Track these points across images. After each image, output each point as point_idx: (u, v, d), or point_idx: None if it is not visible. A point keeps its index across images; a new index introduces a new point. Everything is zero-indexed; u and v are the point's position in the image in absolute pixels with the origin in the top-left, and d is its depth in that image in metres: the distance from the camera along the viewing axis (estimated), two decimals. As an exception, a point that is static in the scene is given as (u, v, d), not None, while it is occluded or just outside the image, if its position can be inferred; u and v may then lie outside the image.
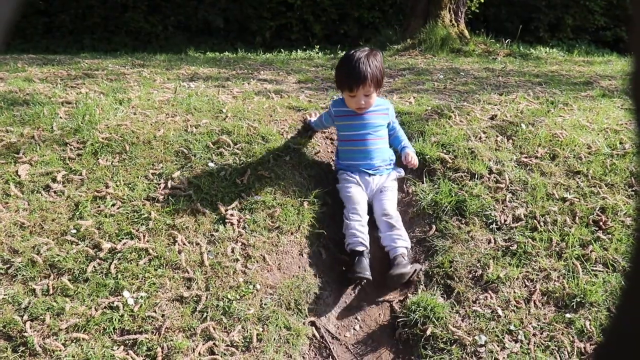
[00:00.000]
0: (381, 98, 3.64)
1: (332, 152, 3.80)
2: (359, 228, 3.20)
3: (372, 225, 3.33)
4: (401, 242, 3.19)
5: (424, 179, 3.58)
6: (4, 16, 0.66)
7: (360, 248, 3.14)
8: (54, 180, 3.24)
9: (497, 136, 3.88)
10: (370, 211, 3.37)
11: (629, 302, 0.76)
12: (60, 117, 3.70)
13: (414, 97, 4.56)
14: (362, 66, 3.29)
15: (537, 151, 3.78)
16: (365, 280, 3.11)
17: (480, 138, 3.86)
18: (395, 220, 3.27)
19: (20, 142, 3.46)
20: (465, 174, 3.58)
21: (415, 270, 3.14)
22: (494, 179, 3.56)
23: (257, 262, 3.03)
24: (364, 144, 3.45)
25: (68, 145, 3.45)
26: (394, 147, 3.61)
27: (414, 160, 3.48)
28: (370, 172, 3.43)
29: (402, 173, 3.57)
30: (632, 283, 0.76)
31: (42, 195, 3.17)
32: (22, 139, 3.48)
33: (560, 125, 4.04)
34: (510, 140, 3.87)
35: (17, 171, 3.27)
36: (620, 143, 3.92)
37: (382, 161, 3.47)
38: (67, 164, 3.34)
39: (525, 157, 3.72)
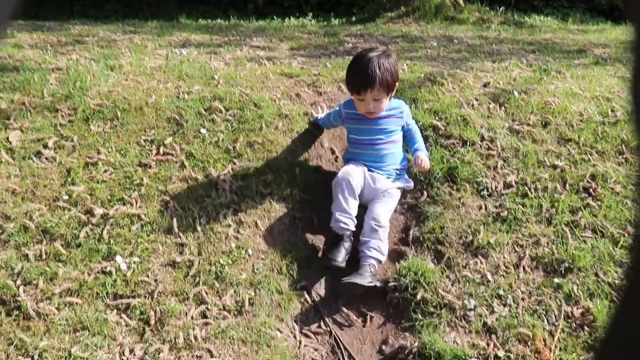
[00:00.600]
0: (396, 99, 3.37)
1: (324, 118, 3.79)
2: (343, 206, 3.06)
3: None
4: (376, 253, 3.01)
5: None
6: (4, 15, 0.66)
7: (342, 231, 3.04)
8: (45, 146, 3.24)
9: (489, 103, 3.89)
10: (363, 212, 3.16)
11: (629, 302, 0.75)
12: (51, 84, 3.68)
13: (407, 65, 4.54)
14: (372, 68, 3.05)
15: (529, 118, 3.79)
16: (336, 268, 2.98)
17: (472, 105, 3.86)
18: (381, 229, 3.05)
19: (10, 109, 3.44)
20: (457, 141, 3.59)
21: (376, 286, 2.95)
22: (486, 146, 3.57)
23: (249, 227, 3.05)
24: (375, 149, 3.25)
25: (59, 111, 3.44)
26: (408, 148, 3.40)
27: (425, 163, 3.20)
28: (378, 171, 3.23)
29: (411, 185, 3.36)
30: (632, 283, 0.75)
31: (33, 161, 3.17)
32: (12, 105, 3.46)
33: (552, 93, 4.04)
34: (503, 108, 3.87)
35: (7, 137, 3.26)
36: (612, 111, 3.93)
37: (393, 165, 3.27)
38: (59, 130, 3.33)
39: (517, 125, 3.73)
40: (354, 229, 3.07)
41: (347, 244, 3.03)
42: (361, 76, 3.08)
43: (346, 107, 3.33)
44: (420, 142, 3.35)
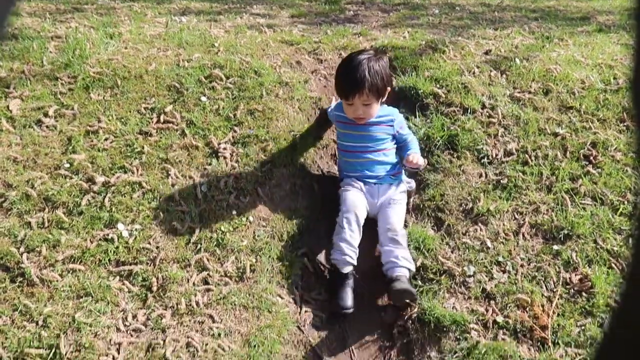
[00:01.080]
0: (389, 107, 3.23)
1: (325, 86, 3.78)
2: (348, 239, 2.89)
3: (375, 239, 3.06)
4: (406, 262, 2.84)
5: (417, 113, 3.58)
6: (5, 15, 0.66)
7: (345, 269, 2.87)
8: (46, 115, 3.24)
9: (490, 71, 3.86)
10: (375, 225, 3.04)
11: (629, 302, 0.74)
12: (50, 52, 3.66)
13: (408, 32, 4.51)
14: (361, 72, 2.92)
15: (530, 86, 3.77)
16: (347, 315, 2.82)
17: (473, 73, 3.84)
18: (400, 237, 2.90)
19: (10, 77, 3.43)
20: (458, 108, 3.58)
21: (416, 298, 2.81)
22: (487, 114, 3.56)
23: (249, 195, 3.06)
24: (364, 156, 3.11)
25: (59, 79, 3.43)
26: (402, 157, 3.18)
27: (416, 160, 3.02)
28: (374, 181, 3.10)
29: (413, 186, 3.24)
30: (632, 283, 0.75)
31: (34, 129, 3.17)
32: (12, 74, 3.45)
33: (554, 61, 4.01)
34: (504, 75, 3.85)
35: (8, 106, 3.26)
36: (614, 78, 3.90)
37: (386, 171, 3.13)
38: (59, 98, 3.33)
39: (519, 92, 3.72)
40: (356, 263, 2.90)
41: (351, 282, 2.87)
42: (350, 80, 2.95)
43: (337, 110, 3.21)
44: (415, 148, 3.17)
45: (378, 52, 3.11)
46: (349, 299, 2.80)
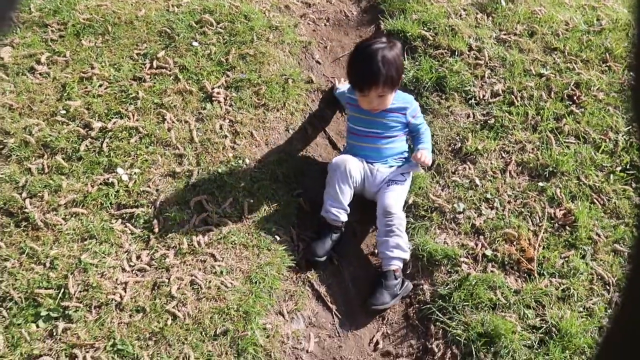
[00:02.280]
0: (404, 94, 3.14)
1: (314, 30, 3.81)
2: (339, 197, 2.89)
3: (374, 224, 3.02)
4: (398, 252, 2.81)
5: (405, 56, 3.63)
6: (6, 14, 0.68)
7: (332, 222, 2.90)
8: (38, 62, 3.24)
9: (477, 13, 3.91)
10: (374, 208, 2.97)
11: (630, 302, 0.75)
12: (37, -2, 3.64)
13: (394, -25, 4.51)
14: (375, 64, 2.80)
15: (516, 28, 3.83)
16: (317, 263, 2.88)
17: (460, 15, 3.88)
18: (397, 223, 2.83)
19: (15, 14, 3.41)
20: (446, 50, 3.64)
21: (402, 296, 2.84)
22: (474, 56, 3.63)
23: (245, 138, 3.12)
24: (373, 142, 3.03)
25: (49, 26, 3.42)
26: (413, 148, 3.13)
27: (425, 158, 2.92)
28: (376, 162, 3.02)
29: (419, 168, 3.12)
30: (632, 283, 0.76)
31: (27, 77, 3.18)
32: (16, 12, 3.43)
33: (539, 2, 4.06)
34: (490, 18, 3.90)
35: (-1, 53, 3.26)
36: (597, 20, 3.97)
37: (391, 156, 3.05)
38: (50, 45, 3.33)
39: (504, 34, 3.78)
40: (345, 219, 2.92)
41: (334, 236, 2.89)
42: (364, 73, 2.85)
43: (350, 92, 3.09)
44: (425, 143, 3.05)
45: (390, 40, 2.95)
46: (322, 249, 2.85)
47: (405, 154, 3.10)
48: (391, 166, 3.03)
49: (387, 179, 2.98)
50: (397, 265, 2.80)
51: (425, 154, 2.94)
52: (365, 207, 3.06)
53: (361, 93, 2.90)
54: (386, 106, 2.95)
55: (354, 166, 2.92)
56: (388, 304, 2.75)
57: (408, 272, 2.85)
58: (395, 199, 2.90)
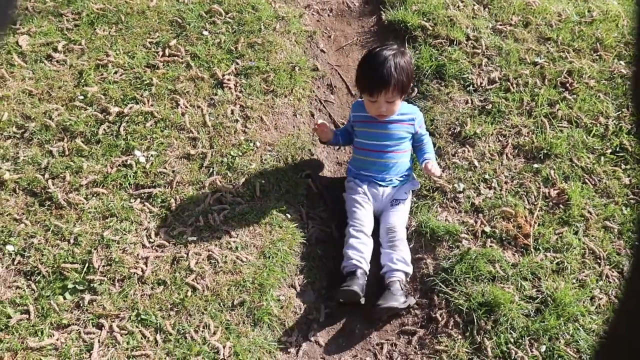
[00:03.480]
0: (410, 105, 3.22)
1: (318, 21, 3.97)
2: (357, 247, 2.87)
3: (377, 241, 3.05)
4: (402, 265, 2.85)
5: (406, 45, 3.79)
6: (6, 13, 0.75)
7: (354, 268, 2.83)
8: (55, 50, 3.38)
9: (474, 5, 4.08)
10: (377, 224, 3.06)
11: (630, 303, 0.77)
12: (51, -11, 3.76)
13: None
14: (387, 68, 2.83)
15: (511, 19, 4.00)
16: (355, 302, 2.78)
17: (458, 7, 4.05)
18: (399, 238, 2.91)
19: (15, 14, 3.53)
20: (445, 40, 3.81)
21: (409, 305, 2.82)
22: (471, 45, 3.80)
23: (255, 122, 3.28)
24: (382, 157, 3.06)
25: (63, 16, 3.55)
26: (417, 159, 3.18)
27: (435, 170, 3.00)
28: (382, 183, 3.06)
29: (418, 185, 3.18)
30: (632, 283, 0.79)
31: (45, 64, 3.32)
32: (16, 11, 3.56)
33: (532, -6, 4.24)
34: (487, 9, 4.07)
35: (17, 42, 3.38)
36: (589, 11, 4.15)
37: (397, 174, 3.09)
38: (66, 34, 3.46)
39: (500, 25, 3.95)
40: (367, 268, 2.86)
41: (361, 281, 2.79)
42: (375, 77, 2.87)
43: (355, 110, 3.14)
44: (430, 153, 3.13)
45: (401, 47, 3.01)
46: (356, 284, 2.74)
47: (409, 172, 3.14)
48: (395, 186, 3.07)
49: (392, 197, 3.05)
50: (401, 277, 2.83)
51: (435, 166, 3.01)
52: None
53: (371, 98, 2.92)
54: (394, 113, 2.99)
55: (368, 218, 2.97)
56: (397, 303, 2.74)
57: (411, 246, 3.00)
58: (399, 217, 2.99)
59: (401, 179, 3.10)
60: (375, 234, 3.01)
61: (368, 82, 2.92)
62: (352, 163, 3.20)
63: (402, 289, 2.80)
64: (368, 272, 2.86)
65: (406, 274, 2.86)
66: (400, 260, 2.85)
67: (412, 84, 2.98)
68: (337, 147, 3.43)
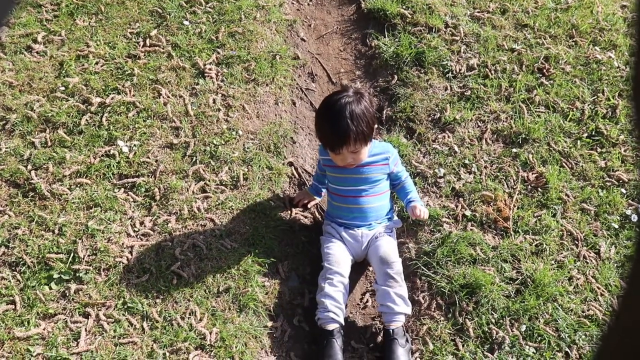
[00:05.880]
0: (382, 142, 3.05)
1: (298, 10, 3.99)
2: (333, 295, 2.67)
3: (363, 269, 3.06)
4: (403, 306, 2.70)
5: (386, 33, 3.83)
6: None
7: (331, 326, 2.64)
8: (35, 41, 3.37)
9: (451, -8, 4.12)
10: (365, 262, 2.99)
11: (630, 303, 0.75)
12: (28, -20, 3.74)
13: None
14: (343, 122, 2.60)
15: (488, 6, 4.05)
16: None
17: (436, -6, 4.09)
18: (396, 271, 2.74)
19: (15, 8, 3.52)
20: (424, 27, 3.85)
21: (411, 350, 2.69)
22: (450, 32, 3.85)
23: (237, 111, 3.30)
24: (358, 202, 2.87)
25: (42, 6, 3.54)
26: (399, 200, 3.05)
27: (423, 214, 2.81)
28: (361, 227, 2.90)
29: (400, 224, 3.03)
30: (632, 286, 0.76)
31: (25, 55, 3.31)
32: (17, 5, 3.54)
33: (509, -19, 4.29)
34: (464, -4, 4.12)
35: (-4, 33, 3.37)
36: (564, -3, 4.22)
37: (376, 219, 2.92)
38: (45, 25, 3.45)
39: (478, 12, 4.00)
40: (343, 317, 2.69)
41: (339, 341, 2.64)
42: (333, 133, 2.65)
43: (322, 154, 2.93)
44: (413, 192, 2.96)
45: (357, 91, 2.78)
46: (335, 354, 2.59)
47: (390, 215, 3.00)
48: (373, 229, 2.91)
49: (374, 235, 2.89)
50: (400, 321, 2.69)
51: (422, 208, 2.83)
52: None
53: (333, 152, 2.74)
54: (362, 160, 2.77)
55: (344, 263, 2.81)
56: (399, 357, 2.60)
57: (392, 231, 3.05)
58: (390, 245, 2.84)
59: (380, 222, 2.94)
60: (360, 275, 2.99)
61: (327, 139, 2.72)
62: (329, 209, 3.03)
63: (405, 337, 2.68)
64: (344, 323, 2.70)
65: (406, 315, 2.73)
66: (400, 297, 2.70)
67: (374, 129, 2.76)
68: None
